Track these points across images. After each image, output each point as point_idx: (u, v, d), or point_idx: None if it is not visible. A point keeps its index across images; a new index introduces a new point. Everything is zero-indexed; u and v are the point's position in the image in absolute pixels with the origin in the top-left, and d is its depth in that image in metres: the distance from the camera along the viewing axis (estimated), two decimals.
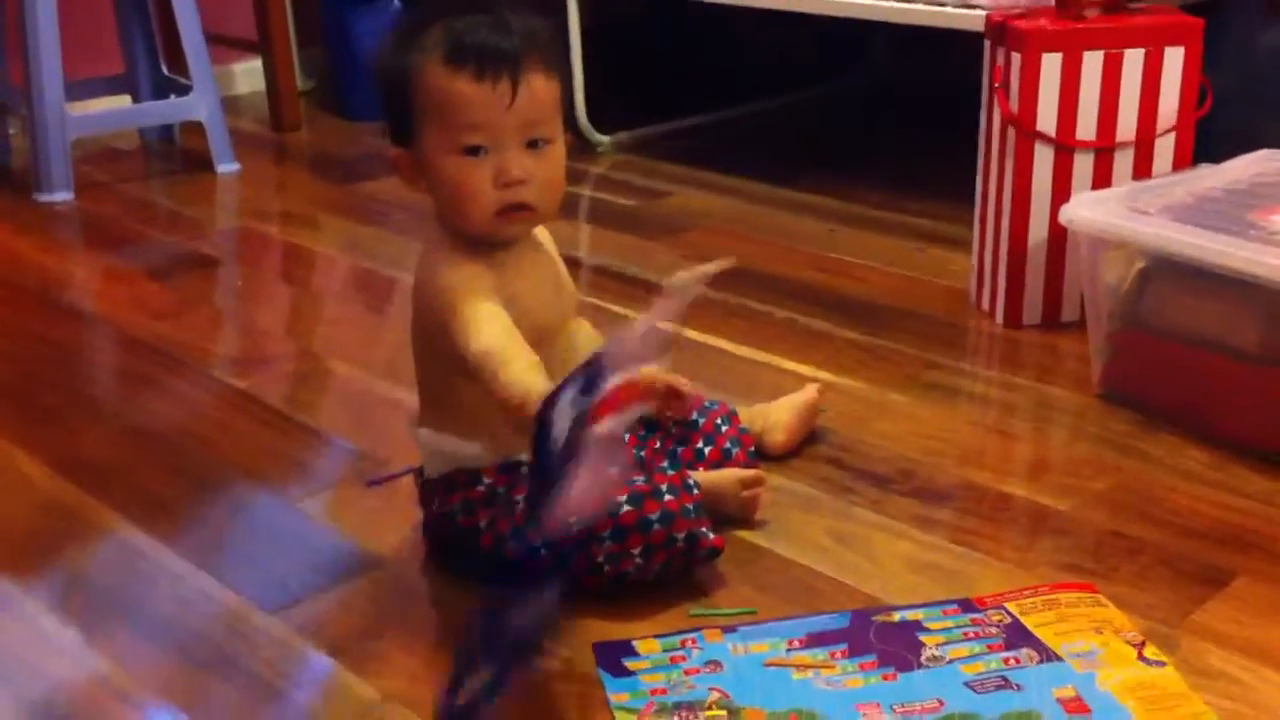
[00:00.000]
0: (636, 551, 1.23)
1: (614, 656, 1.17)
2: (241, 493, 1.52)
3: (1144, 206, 1.60)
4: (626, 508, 1.23)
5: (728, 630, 1.20)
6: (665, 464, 1.39)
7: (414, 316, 1.29)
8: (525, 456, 1.23)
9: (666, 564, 1.25)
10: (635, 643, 1.19)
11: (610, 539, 1.23)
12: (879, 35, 3.24)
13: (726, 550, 1.31)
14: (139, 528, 1.43)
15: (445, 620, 1.26)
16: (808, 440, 1.55)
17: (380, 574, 1.33)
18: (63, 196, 2.61)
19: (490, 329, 1.19)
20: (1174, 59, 1.77)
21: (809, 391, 1.56)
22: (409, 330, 1.31)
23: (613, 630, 1.22)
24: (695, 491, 1.28)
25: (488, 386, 1.16)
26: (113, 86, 2.96)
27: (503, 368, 1.15)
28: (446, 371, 1.25)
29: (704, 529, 1.26)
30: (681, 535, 1.24)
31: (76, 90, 2.75)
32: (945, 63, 2.58)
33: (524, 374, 1.15)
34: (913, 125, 3.02)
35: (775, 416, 1.53)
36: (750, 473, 1.40)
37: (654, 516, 1.23)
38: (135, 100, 2.94)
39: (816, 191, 2.51)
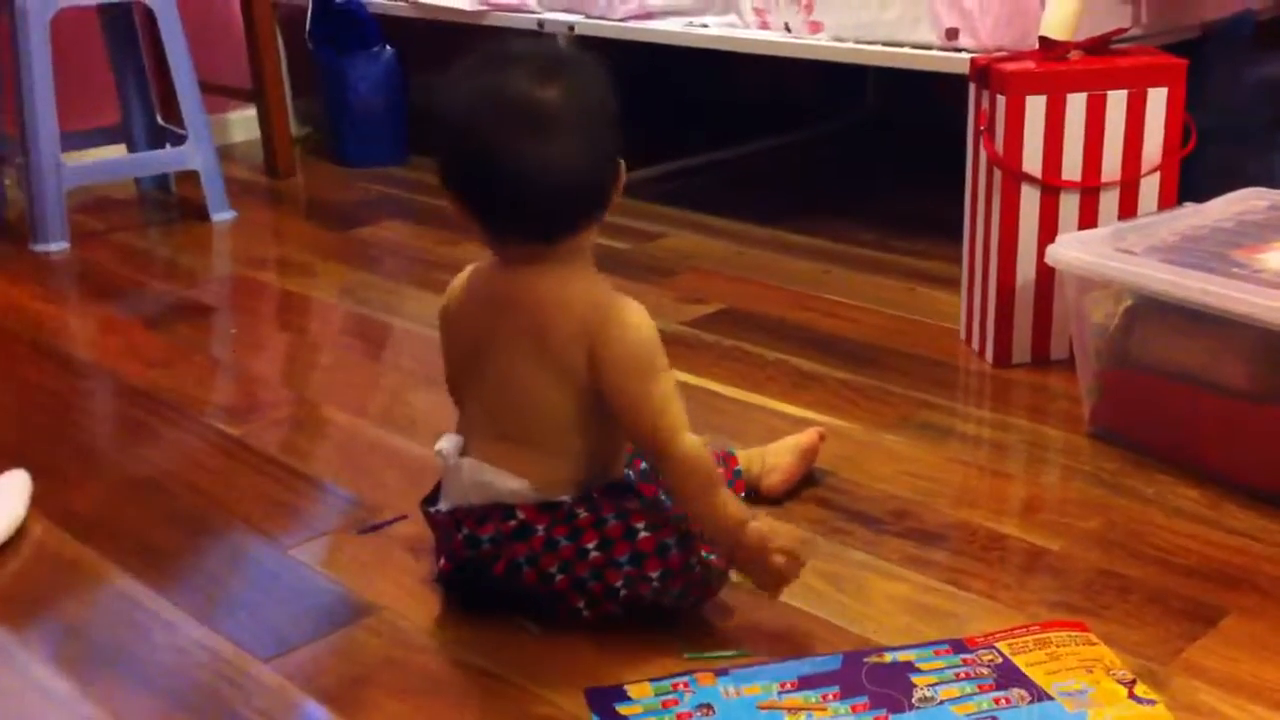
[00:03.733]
0: (654, 575, 1.25)
1: (606, 701, 1.17)
2: (236, 541, 1.52)
3: (1130, 246, 1.61)
4: (644, 533, 1.25)
5: (720, 673, 1.21)
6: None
7: (551, 339, 1.24)
8: (566, 498, 1.26)
9: (684, 591, 1.27)
10: (627, 687, 1.19)
11: (628, 564, 1.25)
12: (870, 76, 3.27)
13: (718, 592, 1.31)
14: (133, 577, 1.43)
15: (437, 667, 1.26)
16: (801, 481, 1.55)
17: (372, 621, 1.33)
18: (58, 246, 2.63)
19: (686, 420, 1.25)
20: (1157, 99, 1.79)
21: (810, 435, 1.57)
22: (511, 352, 1.27)
23: (605, 674, 1.22)
24: None
25: (687, 488, 1.25)
26: (108, 137, 2.98)
27: (716, 487, 1.25)
28: (559, 401, 1.25)
29: (710, 554, 1.28)
30: (696, 560, 1.27)
31: (72, 140, 2.77)
32: (936, 102, 2.60)
33: (734, 500, 1.28)
34: (904, 164, 3.05)
35: (773, 459, 1.53)
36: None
37: (671, 541, 1.25)
38: (130, 150, 2.96)
39: (808, 232, 2.52)
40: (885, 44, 2.25)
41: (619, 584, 1.25)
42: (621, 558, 1.25)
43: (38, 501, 1.59)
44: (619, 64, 1.28)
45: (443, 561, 1.34)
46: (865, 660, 1.22)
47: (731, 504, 1.26)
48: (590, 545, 1.25)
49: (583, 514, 1.26)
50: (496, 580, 1.28)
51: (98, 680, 1.26)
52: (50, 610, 1.39)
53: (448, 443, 1.31)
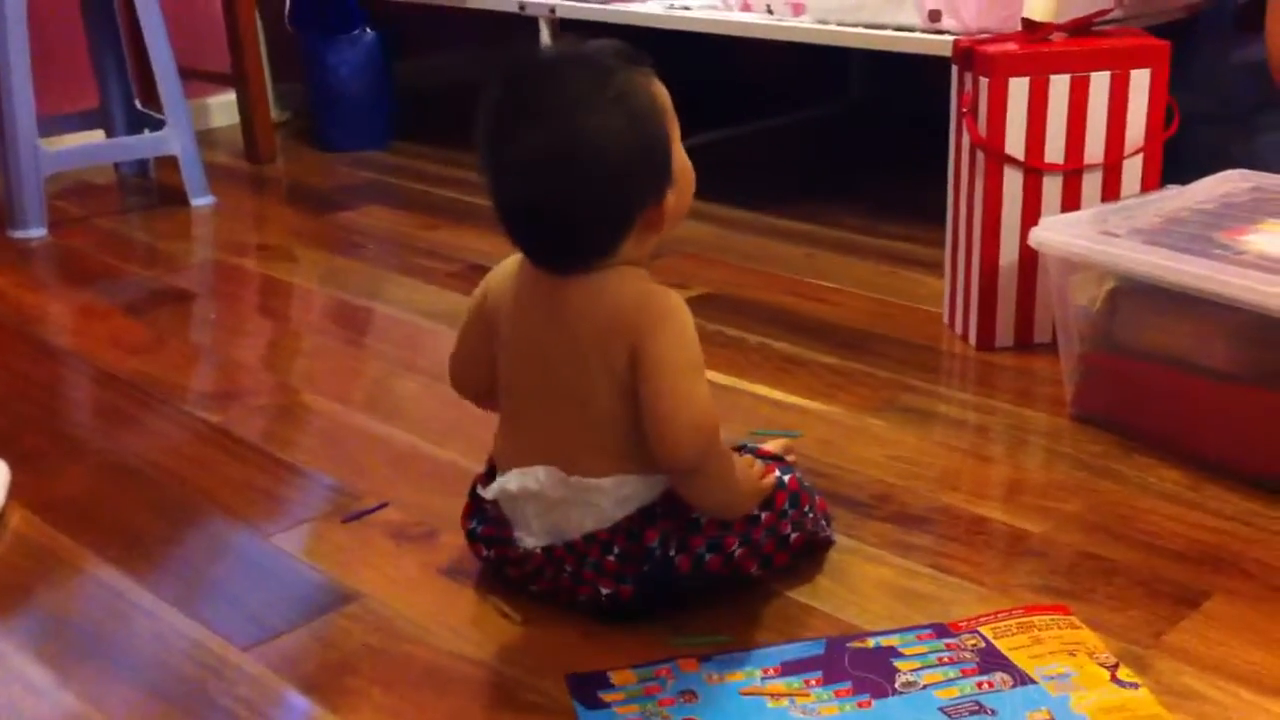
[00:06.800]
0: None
1: (588, 688, 1.17)
2: (217, 528, 1.51)
3: (1113, 228, 1.61)
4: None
5: (703, 659, 1.20)
6: None
7: (607, 344, 1.20)
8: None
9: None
10: (610, 673, 1.19)
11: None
12: (854, 62, 3.26)
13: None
14: (114, 566, 1.42)
15: (421, 654, 1.26)
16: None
17: (356, 609, 1.33)
18: (37, 233, 2.61)
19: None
20: (1140, 81, 1.79)
21: None
22: (578, 364, 1.22)
23: (588, 661, 1.22)
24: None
25: (720, 474, 1.21)
26: (87, 121, 2.96)
27: (734, 476, 1.24)
28: (618, 408, 1.21)
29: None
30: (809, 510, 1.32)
31: (50, 126, 2.75)
32: (919, 89, 2.60)
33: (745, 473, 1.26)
34: (888, 150, 3.04)
35: None
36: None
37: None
38: (109, 135, 2.94)
39: (791, 216, 2.52)
40: (868, 26, 2.25)
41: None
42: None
43: (16, 490, 1.58)
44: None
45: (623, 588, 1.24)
46: (848, 645, 1.21)
47: (745, 481, 1.25)
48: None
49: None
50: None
51: (78, 669, 1.25)
52: (30, 599, 1.38)
53: (542, 473, 1.24)
